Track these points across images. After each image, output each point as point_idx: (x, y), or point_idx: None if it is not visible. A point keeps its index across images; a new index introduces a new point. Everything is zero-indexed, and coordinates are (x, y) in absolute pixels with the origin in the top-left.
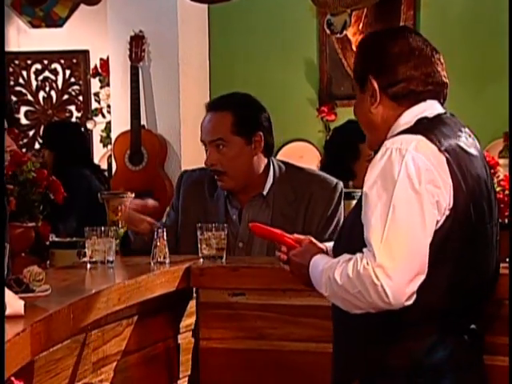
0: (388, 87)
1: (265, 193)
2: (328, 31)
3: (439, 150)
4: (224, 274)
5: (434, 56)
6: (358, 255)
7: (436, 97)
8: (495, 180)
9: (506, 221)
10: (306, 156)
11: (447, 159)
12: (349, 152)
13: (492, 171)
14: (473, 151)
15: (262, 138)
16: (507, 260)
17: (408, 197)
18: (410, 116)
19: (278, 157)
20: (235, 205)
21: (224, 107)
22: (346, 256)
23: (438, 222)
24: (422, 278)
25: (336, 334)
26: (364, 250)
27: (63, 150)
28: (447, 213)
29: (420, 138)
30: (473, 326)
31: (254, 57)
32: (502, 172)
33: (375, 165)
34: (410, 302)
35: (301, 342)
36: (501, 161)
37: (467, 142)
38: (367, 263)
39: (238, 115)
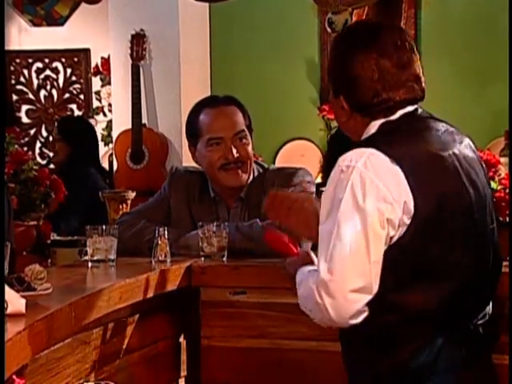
0: (358, 108)
1: (242, 195)
2: (329, 30)
3: (392, 160)
4: (225, 273)
5: (407, 67)
6: (310, 275)
7: (410, 103)
8: (496, 178)
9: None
10: (307, 154)
11: (402, 168)
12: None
13: (493, 169)
14: (444, 153)
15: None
16: (507, 259)
17: (351, 215)
18: (377, 124)
19: (279, 156)
20: (222, 211)
21: (229, 102)
22: (310, 272)
23: (393, 237)
24: (369, 297)
25: (340, 338)
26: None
27: (79, 146)
28: (407, 221)
29: (371, 151)
30: (470, 328)
31: (255, 55)
32: (504, 170)
33: (330, 179)
34: (356, 321)
35: (302, 340)
36: (502, 159)
37: (437, 144)
38: (313, 283)
39: (241, 108)
